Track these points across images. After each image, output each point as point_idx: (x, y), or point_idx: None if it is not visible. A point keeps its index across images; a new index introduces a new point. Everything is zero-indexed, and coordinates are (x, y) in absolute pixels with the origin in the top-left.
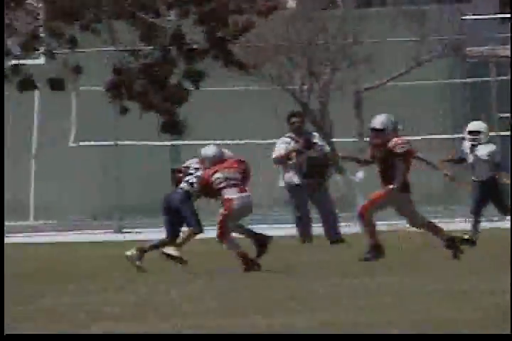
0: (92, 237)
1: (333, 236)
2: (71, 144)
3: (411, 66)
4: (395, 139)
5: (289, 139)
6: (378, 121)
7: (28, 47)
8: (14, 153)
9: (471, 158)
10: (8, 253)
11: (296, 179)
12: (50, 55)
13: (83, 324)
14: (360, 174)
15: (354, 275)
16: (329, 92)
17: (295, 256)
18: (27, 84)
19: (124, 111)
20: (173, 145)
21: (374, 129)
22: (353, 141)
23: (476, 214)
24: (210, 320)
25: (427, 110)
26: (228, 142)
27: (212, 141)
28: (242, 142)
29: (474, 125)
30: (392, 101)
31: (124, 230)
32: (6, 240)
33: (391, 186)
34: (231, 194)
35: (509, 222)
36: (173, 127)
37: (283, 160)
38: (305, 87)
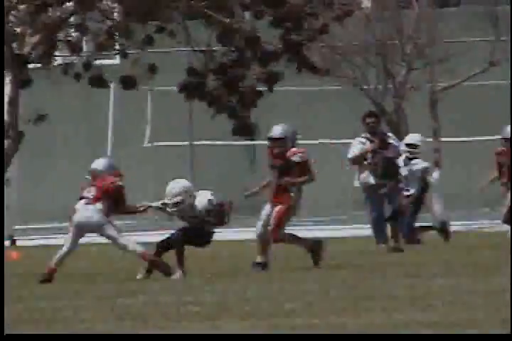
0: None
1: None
2: (146, 144)
3: (486, 66)
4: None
5: (364, 139)
6: (277, 130)
7: (102, 47)
8: (89, 153)
9: (404, 171)
10: (102, 251)
11: (371, 179)
12: (123, 54)
13: (162, 324)
14: (436, 174)
15: (430, 276)
16: (404, 92)
17: (371, 256)
18: (98, 81)
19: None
20: (247, 146)
21: (272, 138)
22: (428, 141)
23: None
24: (291, 320)
25: (503, 110)
26: (302, 142)
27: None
28: (316, 142)
29: (412, 138)
30: (467, 101)
31: None
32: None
33: (288, 199)
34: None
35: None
36: (244, 129)
37: (358, 161)
38: (380, 87)
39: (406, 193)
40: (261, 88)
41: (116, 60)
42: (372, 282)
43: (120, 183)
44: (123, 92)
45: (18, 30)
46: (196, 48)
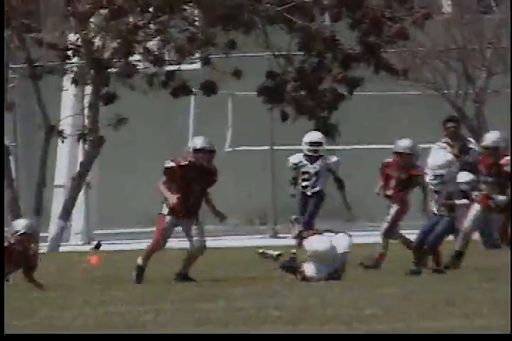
0: (246, 242)
1: (489, 242)
2: (227, 149)
3: None
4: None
5: (444, 144)
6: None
7: (185, 53)
8: (169, 157)
9: (311, 169)
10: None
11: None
12: (205, 59)
13: (242, 328)
14: None
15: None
16: (485, 97)
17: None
18: (182, 90)
19: (285, 117)
20: (327, 150)
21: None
22: None
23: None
24: (371, 325)
25: None
26: (382, 147)
27: (365, 145)
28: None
29: (313, 135)
30: None
31: (280, 235)
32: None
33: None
34: None
35: None
36: (324, 132)
37: None
38: (460, 91)
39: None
40: (340, 92)
41: (197, 65)
42: (451, 286)
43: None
44: (204, 97)
45: (96, 35)
46: (276, 53)
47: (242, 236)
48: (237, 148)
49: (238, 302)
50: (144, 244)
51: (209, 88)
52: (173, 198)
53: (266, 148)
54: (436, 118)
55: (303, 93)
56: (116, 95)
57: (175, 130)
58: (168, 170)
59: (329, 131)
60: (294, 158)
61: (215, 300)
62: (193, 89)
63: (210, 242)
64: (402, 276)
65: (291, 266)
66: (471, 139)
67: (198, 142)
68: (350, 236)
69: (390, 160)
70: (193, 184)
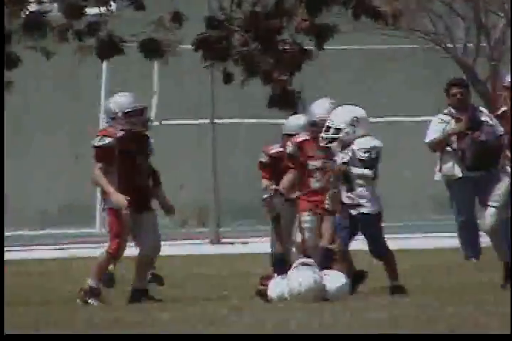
0: (177, 250)
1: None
2: (151, 124)
3: None
4: None
5: (448, 117)
6: None
7: None
8: (75, 139)
9: None
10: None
11: (457, 171)
12: (135, 3)
13: None
14: None
15: None
16: (503, 53)
17: (459, 275)
18: (110, 48)
19: (228, 78)
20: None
21: None
22: None
23: None
24: None
25: None
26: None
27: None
28: (383, 120)
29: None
30: None
31: (224, 240)
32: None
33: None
34: None
35: None
36: (284, 99)
37: (439, 146)
38: (471, 45)
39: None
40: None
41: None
42: (459, 310)
43: None
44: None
45: None
46: None
47: (171, 241)
48: (165, 122)
49: (167, 329)
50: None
51: (153, 50)
52: (118, 198)
53: (204, 121)
54: (437, 82)
55: (254, 47)
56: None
57: (83, 96)
58: (101, 151)
59: (289, 100)
60: None
61: (137, 327)
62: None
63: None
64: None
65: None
66: (483, 110)
67: (126, 101)
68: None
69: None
70: (138, 161)
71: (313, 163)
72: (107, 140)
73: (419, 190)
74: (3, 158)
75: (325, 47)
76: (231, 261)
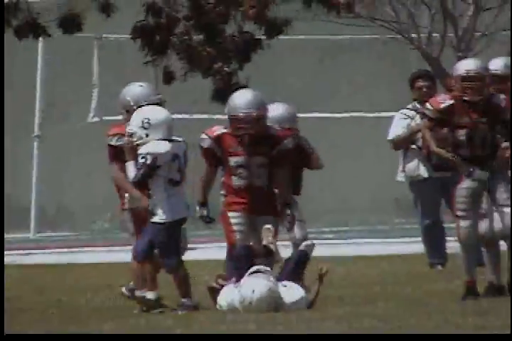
0: (119, 256)
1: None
2: (90, 120)
3: None
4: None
5: (412, 112)
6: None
7: None
8: (7, 135)
9: None
10: None
11: (422, 171)
12: None
13: None
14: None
15: None
16: (473, 43)
17: (422, 282)
18: (30, 28)
19: (170, 78)
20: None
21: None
22: None
23: None
24: None
25: None
26: (321, 115)
27: (300, 114)
28: (340, 116)
29: None
30: None
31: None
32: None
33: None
34: None
35: None
36: (228, 93)
37: (403, 144)
38: (436, 35)
39: None
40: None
41: None
42: (424, 322)
43: None
44: (57, 42)
45: None
46: None
47: (111, 246)
48: (106, 118)
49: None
50: None
51: (71, 24)
52: (142, 198)
53: None
54: (400, 74)
55: (198, 37)
56: None
57: (17, 89)
58: (118, 150)
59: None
60: None
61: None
62: (46, 27)
63: (63, 256)
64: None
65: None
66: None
67: (142, 94)
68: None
69: None
70: None
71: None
72: (125, 139)
73: (381, 192)
74: (3, 157)
75: (278, 37)
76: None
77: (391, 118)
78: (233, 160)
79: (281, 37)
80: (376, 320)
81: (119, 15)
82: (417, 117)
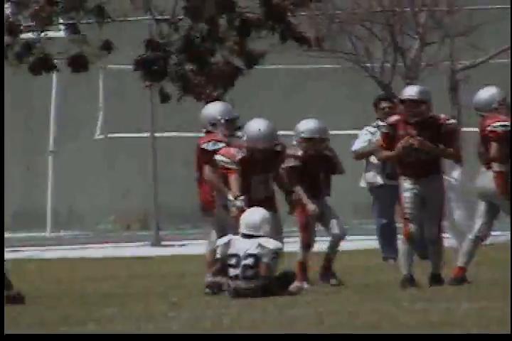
0: (120, 251)
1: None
2: (97, 136)
3: None
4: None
5: (374, 129)
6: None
7: (43, 19)
8: (27, 151)
9: None
10: None
11: (379, 179)
12: (70, 27)
13: None
14: (455, 174)
15: (450, 300)
16: (418, 72)
17: (377, 274)
18: (43, 65)
19: (166, 98)
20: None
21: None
22: None
23: None
24: None
25: None
26: (290, 133)
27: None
28: None
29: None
30: (495, 83)
31: (164, 242)
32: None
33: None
34: None
35: None
36: None
37: (364, 155)
38: (387, 64)
39: None
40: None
41: (61, 33)
42: (378, 306)
43: None
44: (68, 70)
45: None
46: (158, 17)
47: (114, 243)
48: (110, 135)
49: (110, 325)
50: None
51: (79, 64)
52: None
53: (145, 135)
54: (357, 98)
55: (190, 67)
56: None
57: (33, 114)
58: (213, 155)
59: None
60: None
61: (82, 324)
62: (57, 64)
63: (74, 252)
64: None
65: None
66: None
67: (227, 109)
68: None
69: None
70: None
71: None
72: (221, 145)
73: (341, 197)
74: (3, 158)
75: (255, 67)
76: (170, 262)
77: (351, 135)
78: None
79: (257, 67)
80: (338, 304)
81: (120, 47)
82: (378, 133)
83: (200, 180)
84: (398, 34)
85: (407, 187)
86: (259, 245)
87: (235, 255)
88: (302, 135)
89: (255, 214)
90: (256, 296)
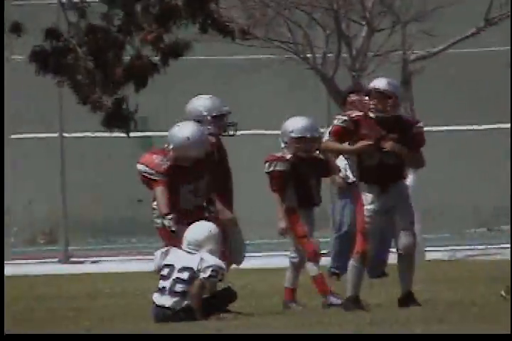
0: (23, 270)
1: (373, 270)
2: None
3: (480, 25)
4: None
5: None
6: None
7: None
8: None
9: None
10: None
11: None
12: None
13: None
14: (409, 179)
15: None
16: (366, 63)
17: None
18: None
19: (60, 82)
20: (143, 138)
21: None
22: None
23: None
24: None
25: (502, 86)
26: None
27: None
28: (244, 133)
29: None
30: (453, 75)
31: (73, 259)
32: None
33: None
34: None
35: None
36: (118, 119)
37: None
38: (330, 55)
39: None
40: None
41: None
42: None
43: None
44: None
45: None
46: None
47: (17, 260)
48: (12, 136)
49: None
50: None
51: None
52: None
53: (53, 135)
54: (295, 93)
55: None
56: None
57: None
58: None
59: (124, 118)
60: None
61: None
62: None
63: None
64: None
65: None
66: None
67: (214, 104)
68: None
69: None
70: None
71: None
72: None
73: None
74: (3, 159)
75: (179, 58)
76: (81, 280)
77: None
78: None
79: (182, 58)
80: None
81: (28, 36)
82: None
83: None
84: (343, 20)
85: (371, 199)
86: (201, 259)
87: (169, 265)
88: (291, 135)
89: (198, 231)
90: (175, 319)
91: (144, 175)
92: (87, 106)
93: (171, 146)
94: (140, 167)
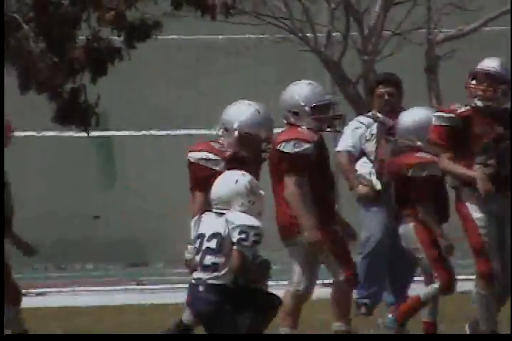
0: None
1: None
2: None
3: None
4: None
5: (369, 120)
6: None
7: None
8: None
9: None
10: None
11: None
12: None
13: None
14: None
15: None
16: (380, 45)
17: None
18: None
19: (25, 87)
20: (101, 138)
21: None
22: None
23: None
24: None
25: None
26: (207, 132)
27: (178, 131)
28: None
29: None
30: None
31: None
32: None
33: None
34: None
35: None
36: (73, 115)
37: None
38: (336, 34)
39: None
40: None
41: None
42: None
43: None
44: None
45: None
46: None
47: None
48: None
49: None
50: None
51: None
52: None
53: None
54: (291, 81)
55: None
56: None
57: None
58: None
59: (79, 113)
60: None
61: None
62: None
63: None
64: None
65: None
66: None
67: (314, 92)
68: None
69: None
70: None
71: None
72: (306, 145)
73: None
74: (3, 159)
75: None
76: (26, 317)
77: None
78: None
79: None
80: None
81: None
82: (374, 126)
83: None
84: None
85: (480, 207)
86: (226, 220)
87: (201, 235)
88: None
89: (220, 186)
90: (218, 317)
91: (200, 166)
92: (30, 98)
93: (236, 125)
94: (199, 154)
